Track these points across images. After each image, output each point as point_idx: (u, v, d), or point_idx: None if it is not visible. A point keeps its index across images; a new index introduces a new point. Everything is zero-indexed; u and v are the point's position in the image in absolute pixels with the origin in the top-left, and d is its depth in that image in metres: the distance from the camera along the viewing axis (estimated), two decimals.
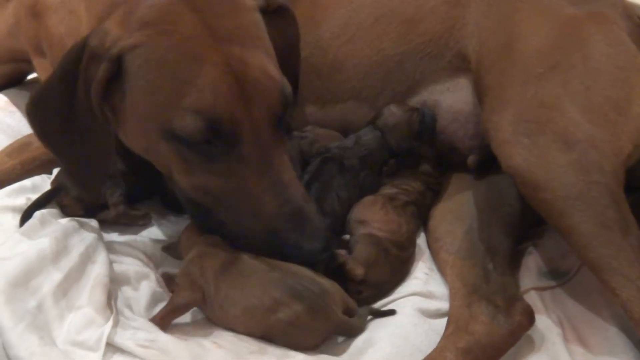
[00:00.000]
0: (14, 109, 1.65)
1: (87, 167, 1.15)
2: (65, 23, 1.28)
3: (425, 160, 1.44)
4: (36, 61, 1.42)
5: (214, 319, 1.13)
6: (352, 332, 1.14)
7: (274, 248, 1.12)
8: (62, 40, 1.28)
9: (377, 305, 1.21)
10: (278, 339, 1.10)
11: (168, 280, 1.24)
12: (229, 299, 1.10)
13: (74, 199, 1.30)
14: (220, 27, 1.10)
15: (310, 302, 1.07)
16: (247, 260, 1.11)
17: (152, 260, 1.28)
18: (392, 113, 1.42)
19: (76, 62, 1.09)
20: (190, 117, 1.07)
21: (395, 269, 1.26)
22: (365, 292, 1.21)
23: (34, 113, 1.13)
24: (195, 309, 1.15)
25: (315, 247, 1.12)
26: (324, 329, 1.10)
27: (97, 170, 1.17)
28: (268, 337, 1.10)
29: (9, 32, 1.49)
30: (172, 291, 1.19)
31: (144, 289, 1.20)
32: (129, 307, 1.16)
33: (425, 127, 1.42)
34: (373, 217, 1.29)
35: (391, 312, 1.18)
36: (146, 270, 1.24)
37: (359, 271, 1.19)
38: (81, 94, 1.10)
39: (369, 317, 1.17)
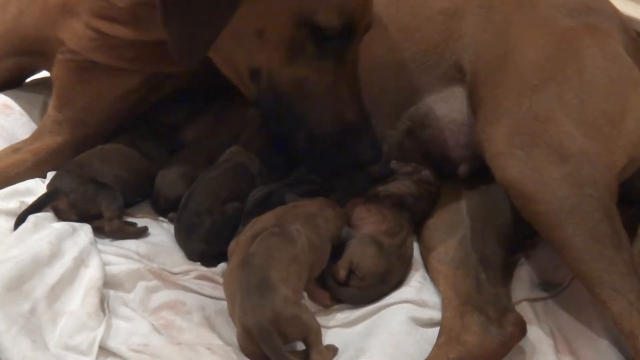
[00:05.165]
0: (9, 111, 1.59)
1: (192, 37, 1.21)
2: None
3: (426, 167, 1.44)
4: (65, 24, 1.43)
5: None
6: None
7: (343, 148, 1.30)
8: None
9: (371, 309, 1.22)
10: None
11: None
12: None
13: (69, 203, 1.30)
14: None
15: (252, 323, 1.06)
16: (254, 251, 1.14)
17: (144, 257, 1.27)
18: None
19: None
20: (336, 14, 1.22)
21: (392, 257, 1.27)
22: (372, 286, 1.25)
23: None
24: (193, 311, 1.18)
25: (376, 154, 1.33)
26: (258, 354, 1.07)
27: (202, 43, 1.23)
28: None
29: (20, 14, 1.49)
30: None
31: (138, 286, 1.20)
32: (124, 305, 1.16)
33: None
34: (358, 216, 1.32)
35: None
36: (139, 265, 1.23)
37: (340, 274, 1.23)
38: None
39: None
